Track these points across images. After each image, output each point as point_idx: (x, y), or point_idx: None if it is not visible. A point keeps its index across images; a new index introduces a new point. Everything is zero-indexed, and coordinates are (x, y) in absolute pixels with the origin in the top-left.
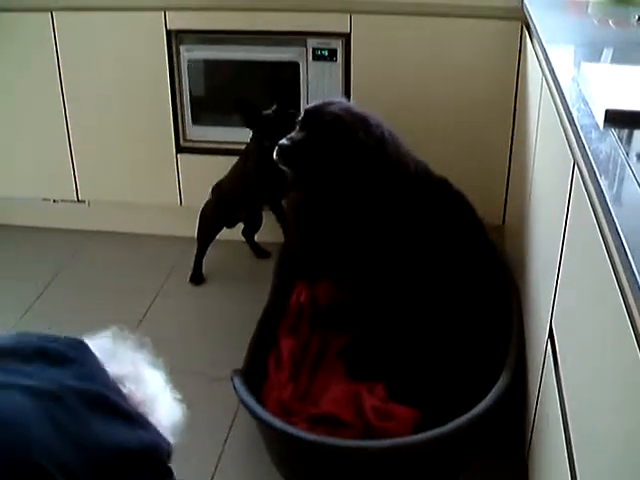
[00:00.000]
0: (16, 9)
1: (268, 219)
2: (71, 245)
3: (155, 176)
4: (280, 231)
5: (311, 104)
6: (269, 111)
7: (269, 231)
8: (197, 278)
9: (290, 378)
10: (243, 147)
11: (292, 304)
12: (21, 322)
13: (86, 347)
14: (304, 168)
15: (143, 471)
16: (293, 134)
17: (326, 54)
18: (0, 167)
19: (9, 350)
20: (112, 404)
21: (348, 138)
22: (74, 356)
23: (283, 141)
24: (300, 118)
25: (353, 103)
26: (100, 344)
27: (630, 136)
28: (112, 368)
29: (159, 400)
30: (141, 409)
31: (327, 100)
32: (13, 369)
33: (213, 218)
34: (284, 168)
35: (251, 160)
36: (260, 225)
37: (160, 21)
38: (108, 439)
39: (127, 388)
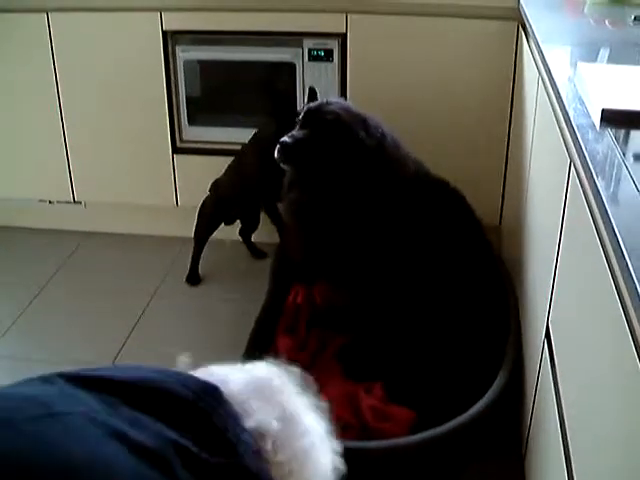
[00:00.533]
0: (11, 10)
1: (265, 219)
2: (67, 246)
3: (151, 177)
4: (273, 232)
5: (312, 103)
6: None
7: (266, 232)
8: (193, 278)
9: None
10: (239, 147)
11: (289, 304)
12: (17, 324)
13: (220, 397)
14: (305, 166)
15: None
16: (294, 132)
17: (322, 54)
18: None
19: (130, 387)
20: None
21: (349, 137)
22: (204, 407)
23: (284, 139)
24: (300, 117)
25: (351, 103)
26: (247, 382)
27: (627, 136)
28: (254, 418)
29: (309, 459)
30: (280, 472)
31: (327, 100)
32: (127, 417)
33: (211, 215)
34: (284, 166)
35: (249, 160)
36: (257, 225)
37: (156, 22)
38: None
39: (269, 445)
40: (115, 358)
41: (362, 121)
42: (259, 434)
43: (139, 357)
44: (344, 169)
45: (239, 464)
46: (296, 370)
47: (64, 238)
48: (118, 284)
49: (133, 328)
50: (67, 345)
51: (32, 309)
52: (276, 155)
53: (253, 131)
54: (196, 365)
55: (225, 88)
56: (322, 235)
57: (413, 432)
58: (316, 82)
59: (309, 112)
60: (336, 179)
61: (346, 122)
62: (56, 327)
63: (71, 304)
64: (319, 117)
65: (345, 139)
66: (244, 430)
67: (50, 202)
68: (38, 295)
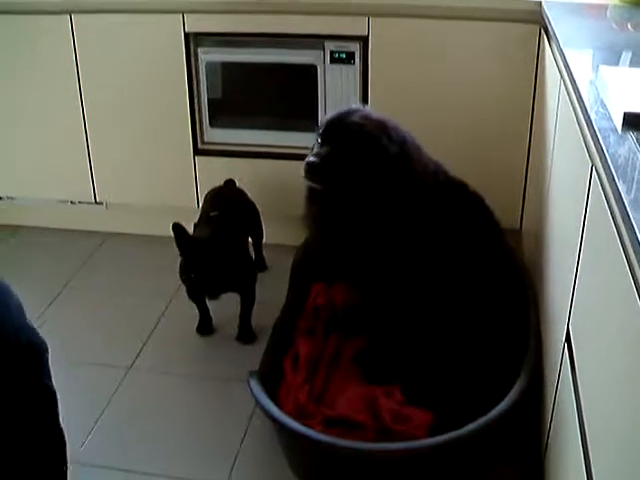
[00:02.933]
0: (35, 12)
1: (276, 223)
2: (88, 247)
3: (173, 178)
4: (290, 234)
5: (330, 114)
6: (206, 233)
7: (281, 234)
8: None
9: (306, 380)
10: (260, 150)
11: (309, 306)
12: (38, 324)
13: None
14: (333, 183)
15: None
16: (317, 149)
17: (344, 57)
18: (19, 169)
19: None
20: None
21: (374, 147)
22: None
23: (310, 158)
24: (321, 130)
25: (370, 107)
26: None
27: None
28: None
29: None
30: None
31: (345, 109)
32: None
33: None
34: (313, 185)
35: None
36: (262, 237)
37: (178, 24)
38: None
39: None
40: (136, 358)
41: (383, 127)
42: None
43: (160, 358)
44: (369, 178)
45: None
46: None
47: (85, 239)
48: (139, 285)
49: (154, 328)
50: (88, 345)
51: (52, 309)
52: (303, 174)
53: (275, 133)
54: None
55: (247, 90)
56: (345, 240)
57: (432, 434)
58: (337, 84)
59: (330, 125)
60: (361, 188)
61: (370, 132)
62: (77, 327)
63: (91, 304)
64: (341, 130)
65: (370, 150)
66: None
67: (72, 202)
68: (59, 295)
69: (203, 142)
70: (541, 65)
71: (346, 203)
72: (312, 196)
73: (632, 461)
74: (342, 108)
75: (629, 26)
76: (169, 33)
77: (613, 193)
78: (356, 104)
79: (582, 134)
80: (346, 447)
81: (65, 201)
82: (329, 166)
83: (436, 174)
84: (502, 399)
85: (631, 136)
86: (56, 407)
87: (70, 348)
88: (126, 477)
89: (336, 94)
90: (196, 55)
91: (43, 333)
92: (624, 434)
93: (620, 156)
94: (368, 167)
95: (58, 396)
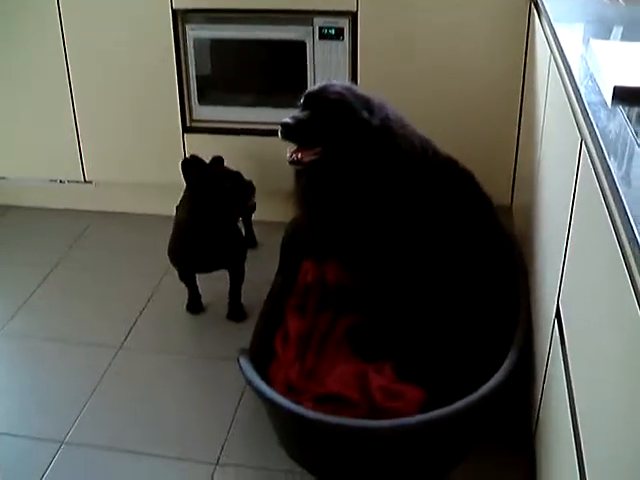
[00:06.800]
0: None
1: (271, 198)
2: (78, 226)
3: (162, 156)
4: (280, 211)
5: (313, 86)
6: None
7: (271, 210)
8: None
9: (297, 357)
10: (249, 127)
11: (299, 283)
12: (29, 303)
13: None
14: (308, 145)
15: None
16: (296, 113)
17: (333, 33)
18: (7, 148)
19: None
20: None
21: (351, 116)
22: None
23: (285, 119)
24: (302, 100)
25: (358, 84)
26: None
27: (639, 114)
28: None
29: None
30: None
31: (329, 82)
32: None
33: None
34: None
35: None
36: (253, 210)
37: (166, 0)
38: None
39: None
40: (126, 337)
41: (365, 101)
42: None
43: (150, 337)
44: (347, 148)
45: None
46: None
47: (75, 218)
48: (129, 263)
49: (144, 307)
50: (78, 324)
51: (43, 288)
52: (279, 135)
53: (264, 110)
54: None
55: (235, 67)
56: (332, 217)
57: (423, 411)
58: (326, 60)
59: (310, 95)
60: (341, 159)
61: (349, 102)
62: (67, 306)
63: (82, 283)
64: (321, 98)
65: (348, 118)
66: None
67: (61, 182)
68: (49, 275)
69: (192, 119)
70: (531, 40)
71: (330, 177)
72: (299, 173)
73: (621, 436)
74: (326, 81)
75: (620, 0)
76: (156, 10)
77: (603, 168)
78: (342, 79)
79: (572, 109)
80: (335, 424)
81: (54, 180)
82: (304, 129)
83: (425, 150)
84: (492, 375)
85: (621, 110)
86: None
87: (60, 328)
88: (117, 456)
89: (325, 70)
90: (184, 32)
91: (34, 312)
92: (614, 409)
93: (610, 131)
94: (345, 135)
95: (48, 375)
